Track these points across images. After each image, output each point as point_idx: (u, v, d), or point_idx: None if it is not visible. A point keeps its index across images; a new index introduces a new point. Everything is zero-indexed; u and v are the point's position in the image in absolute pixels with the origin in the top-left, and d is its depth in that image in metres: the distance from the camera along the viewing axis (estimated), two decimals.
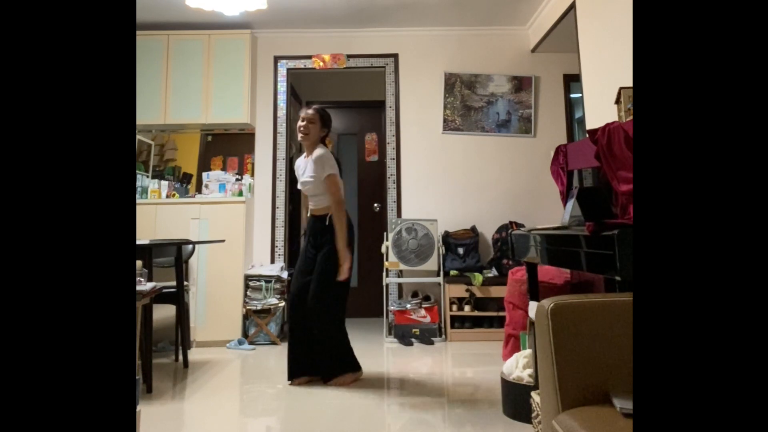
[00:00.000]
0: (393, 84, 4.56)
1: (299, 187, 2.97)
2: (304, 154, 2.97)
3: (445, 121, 4.49)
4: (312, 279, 2.81)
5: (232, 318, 3.88)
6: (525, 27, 4.54)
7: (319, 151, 2.82)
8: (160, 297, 2.95)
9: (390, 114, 4.54)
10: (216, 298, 3.89)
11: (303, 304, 2.80)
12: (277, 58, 4.57)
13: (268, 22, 4.37)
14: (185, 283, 3.52)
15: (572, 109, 4.54)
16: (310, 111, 2.90)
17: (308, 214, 3.01)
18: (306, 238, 2.97)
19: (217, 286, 3.91)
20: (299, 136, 2.88)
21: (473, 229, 4.30)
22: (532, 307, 2.31)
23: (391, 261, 4.09)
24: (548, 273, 3.07)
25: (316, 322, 2.76)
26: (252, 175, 4.43)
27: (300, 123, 2.87)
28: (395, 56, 4.58)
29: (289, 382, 2.82)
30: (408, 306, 4.03)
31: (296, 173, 3.02)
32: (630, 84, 2.37)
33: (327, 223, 2.83)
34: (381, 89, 4.65)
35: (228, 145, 4.54)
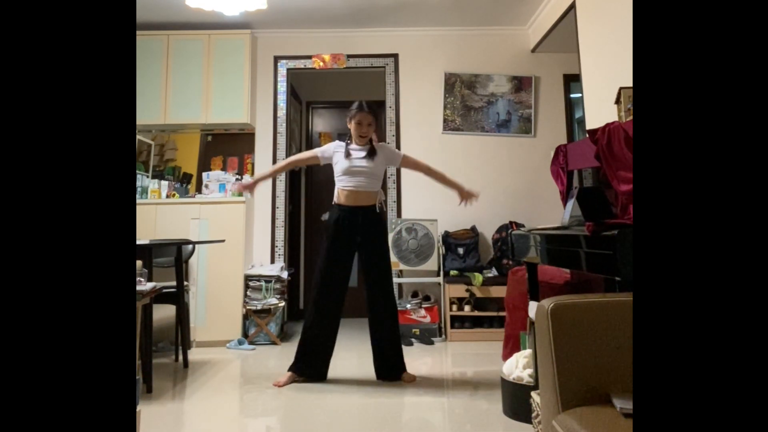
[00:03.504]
0: (393, 84, 4.56)
1: (353, 168, 2.92)
2: (352, 145, 3.00)
3: (445, 121, 4.49)
4: (377, 279, 2.91)
5: (232, 318, 3.88)
6: (525, 27, 4.54)
7: (384, 144, 3.14)
8: (160, 297, 2.95)
9: (390, 114, 4.54)
10: (216, 298, 3.89)
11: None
12: (277, 58, 4.57)
13: (268, 22, 4.37)
14: (185, 283, 3.52)
15: (572, 109, 4.54)
16: (369, 116, 2.98)
17: (342, 203, 2.92)
18: (340, 237, 2.88)
19: (217, 286, 3.91)
20: (361, 138, 2.97)
21: (473, 229, 4.30)
22: (532, 307, 2.31)
23: (392, 261, 4.09)
24: (548, 273, 3.07)
25: (395, 318, 2.97)
26: (252, 175, 4.43)
27: (365, 129, 2.96)
28: (395, 56, 4.57)
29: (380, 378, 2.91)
30: (408, 306, 4.03)
31: (346, 157, 2.94)
32: (630, 84, 2.37)
33: (378, 211, 2.97)
34: (381, 89, 4.64)
35: (228, 145, 4.54)
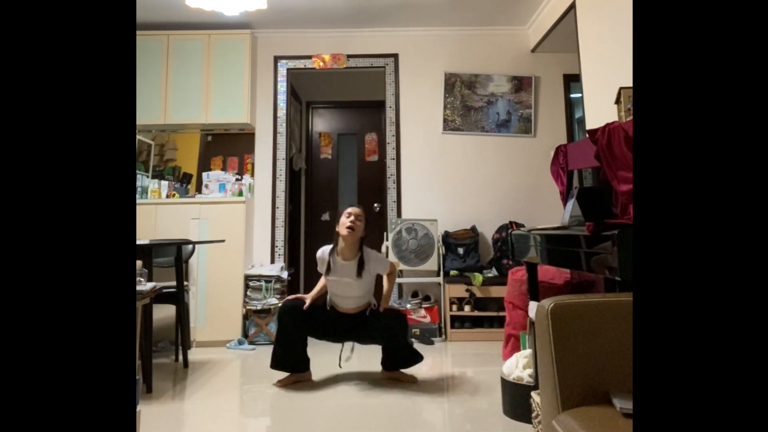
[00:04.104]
0: (393, 84, 4.56)
1: (337, 285, 2.88)
2: (335, 252, 2.87)
3: (445, 121, 4.49)
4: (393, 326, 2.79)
5: (232, 318, 3.89)
6: (525, 27, 4.54)
7: (374, 253, 2.92)
8: (160, 297, 2.95)
9: (390, 114, 4.54)
10: (216, 298, 3.89)
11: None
12: (277, 58, 4.57)
13: (268, 22, 4.37)
14: (185, 283, 3.52)
15: (572, 109, 4.54)
16: (358, 209, 2.87)
17: (331, 308, 2.93)
18: (328, 320, 2.89)
19: (217, 286, 3.91)
20: (345, 230, 2.79)
21: (473, 229, 4.30)
22: (532, 307, 2.31)
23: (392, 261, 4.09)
24: (548, 273, 3.07)
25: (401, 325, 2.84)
26: (252, 175, 4.43)
27: (350, 219, 2.81)
28: (395, 56, 4.58)
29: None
30: (408, 306, 4.03)
31: (331, 269, 2.87)
32: (630, 84, 2.37)
33: (368, 313, 2.89)
34: (381, 89, 4.65)
35: (228, 145, 4.54)
